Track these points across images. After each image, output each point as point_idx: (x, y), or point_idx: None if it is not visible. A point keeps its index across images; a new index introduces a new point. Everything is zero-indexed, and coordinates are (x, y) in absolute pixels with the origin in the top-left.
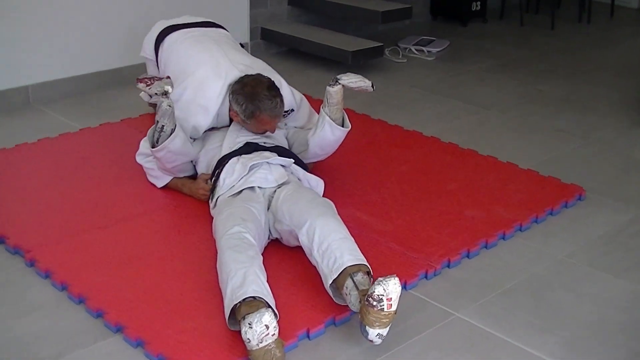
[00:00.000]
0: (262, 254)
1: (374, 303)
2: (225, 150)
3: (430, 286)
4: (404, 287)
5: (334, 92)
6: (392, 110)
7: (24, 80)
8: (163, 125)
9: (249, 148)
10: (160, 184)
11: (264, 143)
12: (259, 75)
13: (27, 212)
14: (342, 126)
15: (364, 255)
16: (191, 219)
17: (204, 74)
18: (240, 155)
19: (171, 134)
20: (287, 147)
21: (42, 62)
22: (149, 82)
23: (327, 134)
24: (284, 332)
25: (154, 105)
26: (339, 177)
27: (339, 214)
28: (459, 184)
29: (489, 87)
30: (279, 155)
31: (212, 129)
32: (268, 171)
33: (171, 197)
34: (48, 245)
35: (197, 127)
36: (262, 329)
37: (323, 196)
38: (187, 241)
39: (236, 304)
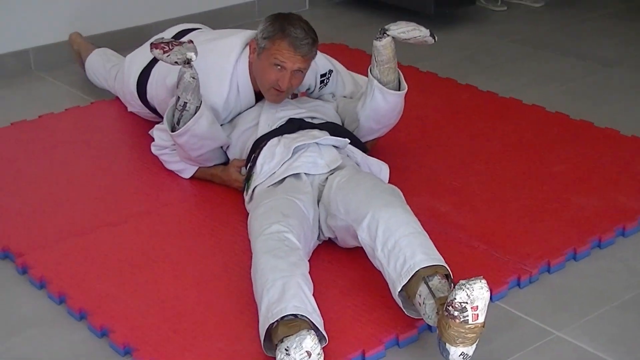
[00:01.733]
0: (309, 259)
1: (456, 313)
2: (262, 130)
3: (524, 296)
4: (490, 298)
5: (382, 47)
6: (486, 73)
7: (24, 43)
8: (186, 102)
9: (292, 126)
10: (186, 174)
11: (312, 119)
12: None
13: (19, 207)
14: (398, 89)
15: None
16: (222, 215)
17: (212, 38)
18: (282, 135)
19: (196, 112)
20: (339, 124)
21: (45, 22)
22: (167, 48)
23: (378, 102)
24: (332, 355)
25: None
26: (410, 158)
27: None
28: (567, 164)
29: (614, 39)
30: (331, 134)
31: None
32: (317, 154)
33: (199, 188)
34: (44, 248)
35: (213, 105)
36: (302, 356)
37: (388, 183)
38: (216, 242)
39: (272, 323)
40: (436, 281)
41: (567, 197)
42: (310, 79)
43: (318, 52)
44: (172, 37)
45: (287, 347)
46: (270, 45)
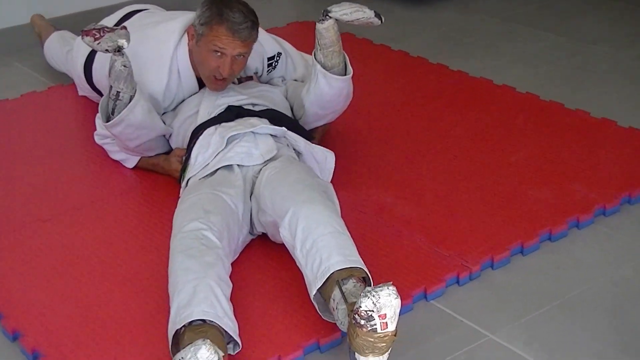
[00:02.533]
0: (237, 256)
1: (362, 322)
2: (202, 118)
3: (462, 295)
4: (424, 296)
5: (324, 30)
6: (461, 51)
7: None
8: (118, 92)
9: (230, 114)
10: (129, 164)
11: (253, 106)
12: None
13: None
14: (345, 74)
15: (376, 253)
16: (162, 209)
17: (154, 21)
18: (220, 123)
19: (130, 101)
20: (283, 110)
21: (8, 4)
22: (98, 35)
23: (322, 87)
24: None
25: None
26: (362, 145)
27: (348, 198)
28: (529, 152)
29: (600, 17)
30: (271, 122)
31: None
32: (253, 144)
33: (141, 180)
34: None
35: (151, 93)
36: None
37: (335, 173)
38: (150, 240)
39: (180, 328)
40: (350, 285)
41: (522, 188)
42: (257, 62)
43: (266, 34)
44: (118, 20)
45: (182, 357)
46: (208, 32)
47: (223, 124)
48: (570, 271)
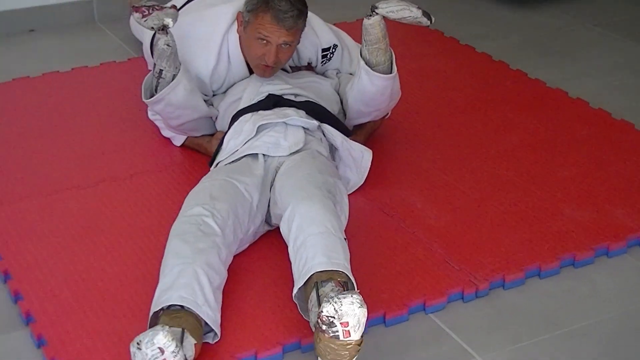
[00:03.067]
0: (247, 245)
1: (324, 327)
2: (244, 103)
3: (463, 311)
4: (423, 308)
5: (370, 26)
6: (545, 58)
7: None
8: (161, 70)
9: (268, 102)
10: (177, 142)
11: (295, 96)
12: None
13: None
14: (390, 72)
15: (386, 257)
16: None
17: (211, 3)
18: (257, 110)
19: (172, 80)
20: (329, 104)
21: None
22: (146, 12)
23: (365, 85)
24: (221, 352)
25: None
26: (409, 146)
27: (376, 197)
28: (580, 169)
29: None
30: (309, 114)
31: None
32: (282, 135)
33: (184, 157)
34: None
35: (199, 75)
36: (154, 352)
37: (372, 170)
38: (172, 218)
39: (158, 311)
40: (328, 288)
41: (559, 206)
42: (311, 52)
43: (324, 25)
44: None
45: (139, 341)
46: (254, 19)
47: (260, 111)
48: (585, 300)
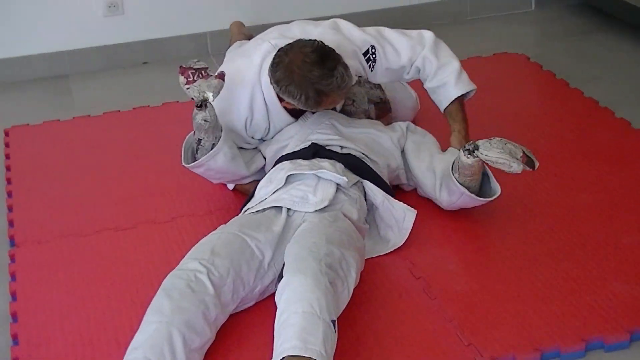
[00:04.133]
0: (252, 303)
1: None
2: (289, 150)
3: None
4: None
5: (468, 165)
6: None
7: (201, 26)
8: (200, 139)
9: (309, 151)
10: (230, 185)
11: (341, 148)
12: (296, 42)
13: (49, 196)
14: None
15: (390, 323)
16: None
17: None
18: (297, 159)
19: (212, 148)
20: (382, 159)
21: (222, 6)
22: (191, 79)
23: (454, 198)
24: None
25: None
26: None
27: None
28: None
29: None
30: (347, 167)
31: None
32: (311, 189)
33: (235, 200)
34: (38, 244)
35: (233, 129)
36: None
37: (414, 230)
38: None
39: None
40: None
41: (607, 278)
42: (355, 61)
43: (355, 28)
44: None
45: None
46: (322, 107)
47: (297, 160)
48: None
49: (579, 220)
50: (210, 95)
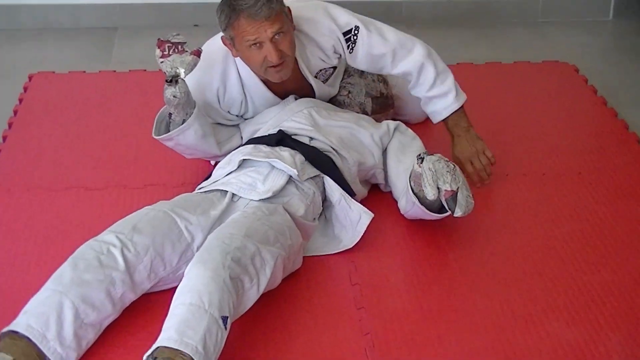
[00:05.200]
0: (173, 284)
1: None
2: (260, 133)
3: None
4: None
5: (417, 173)
6: None
7: None
8: (170, 113)
9: (272, 138)
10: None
11: (310, 139)
12: None
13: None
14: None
15: None
16: None
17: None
18: (262, 144)
19: (183, 123)
20: (357, 155)
21: None
22: (166, 53)
23: (408, 207)
24: None
25: None
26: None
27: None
28: None
29: None
30: (308, 161)
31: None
32: (262, 177)
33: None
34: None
35: (207, 100)
36: None
37: (371, 234)
38: None
39: (6, 331)
40: None
41: (549, 318)
42: (331, 40)
43: (340, 9)
44: None
45: None
46: (234, 31)
47: (260, 145)
48: None
49: (554, 250)
50: (182, 71)
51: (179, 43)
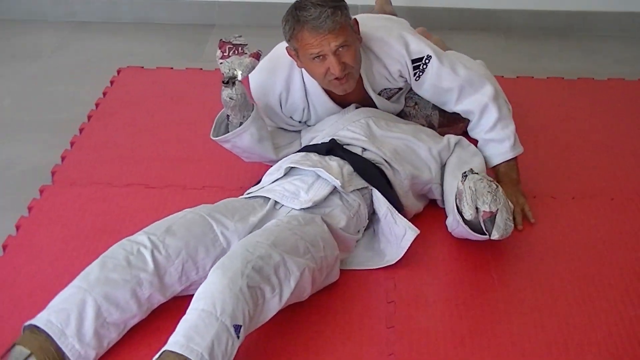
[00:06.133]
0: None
1: None
2: (315, 141)
3: None
4: None
5: (459, 190)
6: None
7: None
8: (228, 115)
9: (323, 147)
10: None
11: (363, 150)
12: None
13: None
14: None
15: None
16: None
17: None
18: (313, 152)
19: (239, 126)
20: (411, 168)
21: None
22: (226, 54)
23: (454, 225)
24: None
25: None
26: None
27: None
28: None
29: None
30: (357, 172)
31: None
32: (306, 186)
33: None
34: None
35: (269, 104)
36: None
37: (417, 251)
38: None
39: (28, 324)
40: None
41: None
42: (398, 64)
43: (416, 36)
44: None
45: None
46: (298, 43)
47: (310, 154)
48: None
49: (604, 279)
50: (239, 73)
51: (239, 45)
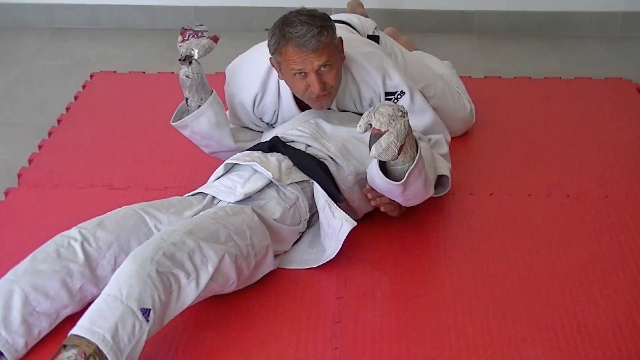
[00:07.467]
0: None
1: None
2: (264, 138)
3: None
4: None
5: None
6: None
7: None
8: (187, 98)
9: (266, 144)
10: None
11: (307, 147)
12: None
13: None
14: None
15: None
16: None
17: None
18: (257, 150)
19: (197, 109)
20: (343, 161)
21: None
22: (186, 38)
23: (374, 176)
24: None
25: None
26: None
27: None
28: None
29: None
30: (296, 166)
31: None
32: (242, 180)
33: None
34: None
35: (242, 102)
36: None
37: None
38: None
39: None
40: (69, 354)
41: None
42: (371, 92)
43: (397, 70)
44: None
45: None
46: (281, 57)
47: (254, 152)
48: None
49: (559, 275)
50: (195, 52)
51: (200, 31)
